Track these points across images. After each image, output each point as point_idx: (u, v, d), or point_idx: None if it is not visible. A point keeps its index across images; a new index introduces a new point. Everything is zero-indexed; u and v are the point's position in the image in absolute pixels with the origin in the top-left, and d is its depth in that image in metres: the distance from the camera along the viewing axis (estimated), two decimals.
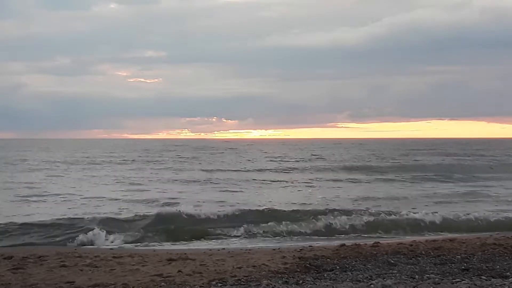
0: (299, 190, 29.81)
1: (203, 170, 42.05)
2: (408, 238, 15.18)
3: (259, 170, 42.66)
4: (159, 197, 25.04)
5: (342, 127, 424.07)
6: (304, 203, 23.05)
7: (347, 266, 10.40)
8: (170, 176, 37.52)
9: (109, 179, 34.97)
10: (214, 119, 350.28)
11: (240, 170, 42.61)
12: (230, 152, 78.70)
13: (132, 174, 38.74)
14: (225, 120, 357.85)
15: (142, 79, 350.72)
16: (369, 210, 20.18)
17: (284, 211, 20.12)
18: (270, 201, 23.74)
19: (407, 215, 19.43)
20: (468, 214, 19.75)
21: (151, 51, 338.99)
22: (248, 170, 42.76)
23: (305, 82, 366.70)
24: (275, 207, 21.00)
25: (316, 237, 16.95)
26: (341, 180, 34.65)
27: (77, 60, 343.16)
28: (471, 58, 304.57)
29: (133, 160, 57.26)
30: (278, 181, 34.63)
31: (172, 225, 17.64)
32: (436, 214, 19.57)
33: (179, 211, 18.96)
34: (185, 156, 66.40)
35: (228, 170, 42.38)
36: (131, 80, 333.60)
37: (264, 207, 20.83)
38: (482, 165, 48.22)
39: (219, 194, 27.11)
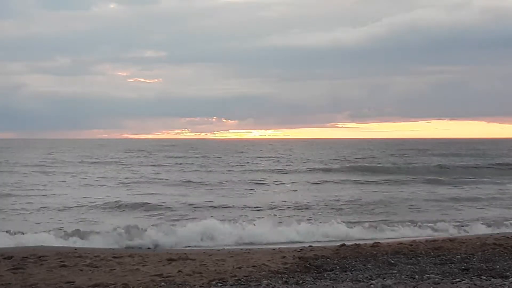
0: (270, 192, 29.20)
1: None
2: (408, 238, 15.19)
3: (230, 172, 41.94)
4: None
5: (342, 127, 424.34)
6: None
7: (347, 266, 10.42)
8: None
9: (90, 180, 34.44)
10: (214, 119, 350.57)
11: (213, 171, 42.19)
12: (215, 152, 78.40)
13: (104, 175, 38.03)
14: (225, 120, 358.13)
15: (142, 79, 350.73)
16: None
17: None
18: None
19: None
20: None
21: (151, 51, 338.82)
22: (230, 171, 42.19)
23: (305, 82, 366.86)
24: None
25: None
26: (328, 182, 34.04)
27: (77, 60, 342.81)
28: (471, 58, 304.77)
29: (115, 161, 56.02)
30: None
31: None
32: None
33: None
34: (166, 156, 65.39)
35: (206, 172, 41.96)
36: (131, 80, 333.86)
37: None
38: (474, 166, 47.53)
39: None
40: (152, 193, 27.33)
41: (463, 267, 10.19)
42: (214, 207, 22.66)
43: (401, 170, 42.66)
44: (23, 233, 15.66)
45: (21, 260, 11.21)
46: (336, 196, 26.49)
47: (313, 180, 35.24)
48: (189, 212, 21.22)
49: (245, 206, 22.99)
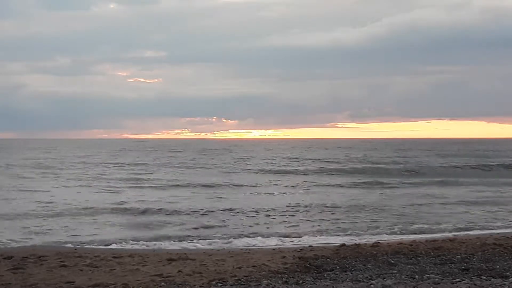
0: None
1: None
2: (408, 238, 15.18)
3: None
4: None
5: (342, 127, 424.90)
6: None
7: (347, 266, 10.41)
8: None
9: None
10: (214, 119, 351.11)
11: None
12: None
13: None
14: (225, 120, 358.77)
15: (142, 79, 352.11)
16: None
17: None
18: None
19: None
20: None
21: (151, 51, 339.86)
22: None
23: (305, 82, 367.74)
24: None
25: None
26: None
27: (77, 60, 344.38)
28: (471, 58, 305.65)
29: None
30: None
31: None
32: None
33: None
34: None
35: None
36: (131, 80, 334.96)
37: None
38: (477, 166, 46.92)
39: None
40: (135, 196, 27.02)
41: (463, 267, 10.19)
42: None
43: (399, 171, 42.38)
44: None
45: (21, 260, 11.21)
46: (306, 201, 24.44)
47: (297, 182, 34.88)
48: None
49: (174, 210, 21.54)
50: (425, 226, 18.19)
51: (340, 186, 32.56)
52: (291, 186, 32.50)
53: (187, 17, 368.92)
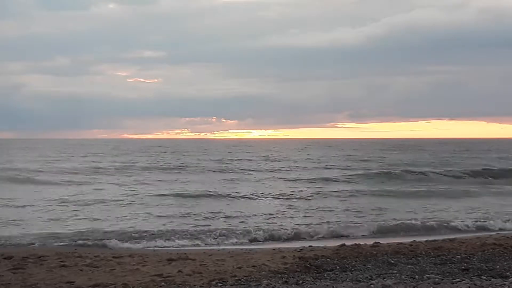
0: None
1: None
2: (408, 238, 15.17)
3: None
4: None
5: (342, 127, 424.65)
6: None
7: (347, 266, 10.42)
8: None
9: None
10: (213, 119, 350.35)
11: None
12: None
13: None
14: (224, 120, 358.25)
15: (141, 79, 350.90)
16: None
17: None
18: None
19: None
20: None
21: (151, 51, 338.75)
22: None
23: (305, 82, 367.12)
24: None
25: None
26: None
27: (76, 60, 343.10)
28: (471, 58, 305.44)
29: None
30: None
31: None
32: None
33: None
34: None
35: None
36: (131, 80, 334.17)
37: None
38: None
39: None
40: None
41: (463, 267, 10.20)
42: None
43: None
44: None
45: (21, 260, 11.21)
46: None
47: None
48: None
49: None
50: (424, 226, 18.20)
51: (340, 187, 32.45)
52: (290, 187, 32.42)
53: (187, 17, 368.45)
